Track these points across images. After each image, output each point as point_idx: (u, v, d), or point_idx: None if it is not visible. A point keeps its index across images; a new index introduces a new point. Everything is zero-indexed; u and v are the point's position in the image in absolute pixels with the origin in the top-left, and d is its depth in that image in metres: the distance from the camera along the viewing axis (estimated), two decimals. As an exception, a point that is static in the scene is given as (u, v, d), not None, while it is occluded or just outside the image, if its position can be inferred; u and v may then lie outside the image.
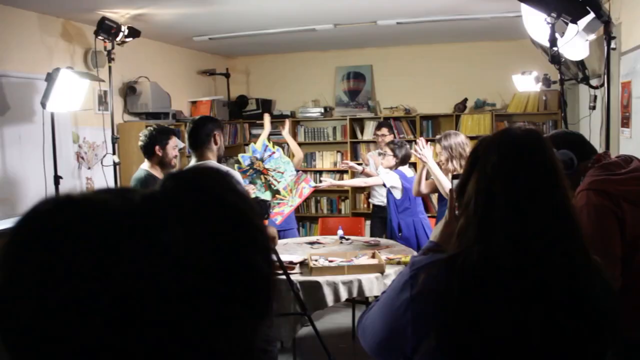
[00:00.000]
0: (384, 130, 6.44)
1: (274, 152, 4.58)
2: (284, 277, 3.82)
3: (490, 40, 7.65)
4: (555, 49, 3.36)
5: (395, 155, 5.39)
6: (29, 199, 4.88)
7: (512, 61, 7.52)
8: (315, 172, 8.51)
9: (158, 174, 4.26)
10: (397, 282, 1.36)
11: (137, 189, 0.67)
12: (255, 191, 4.59)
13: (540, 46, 5.25)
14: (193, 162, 3.43)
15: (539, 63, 6.88)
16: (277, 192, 4.59)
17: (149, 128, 4.33)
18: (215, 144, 3.45)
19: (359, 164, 6.51)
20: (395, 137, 6.67)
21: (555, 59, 3.86)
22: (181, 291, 0.57)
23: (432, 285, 1.28)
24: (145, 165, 4.30)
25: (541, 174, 1.33)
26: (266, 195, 4.60)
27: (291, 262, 4.14)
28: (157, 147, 4.25)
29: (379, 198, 6.13)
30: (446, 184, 4.50)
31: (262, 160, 4.55)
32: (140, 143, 4.30)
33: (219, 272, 0.60)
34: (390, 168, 5.38)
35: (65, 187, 5.20)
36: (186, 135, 3.57)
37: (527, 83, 5.74)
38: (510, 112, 7.70)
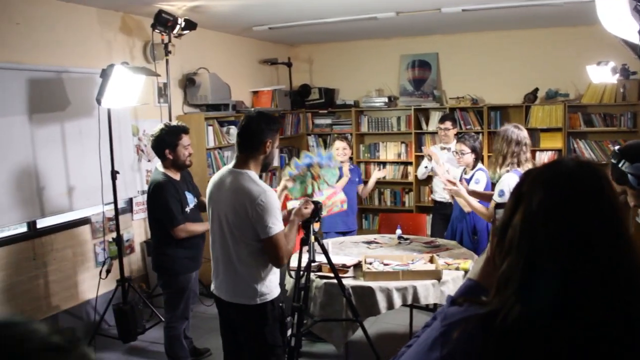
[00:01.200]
0: (448, 124, 6.11)
1: (333, 168, 4.42)
2: (335, 281, 3.68)
3: (563, 26, 7.17)
4: None
5: (473, 150, 4.86)
6: (89, 193, 4.94)
7: (586, 48, 7.05)
8: (379, 163, 8.31)
9: (174, 175, 4.09)
10: (427, 336, 1.18)
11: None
12: (292, 198, 4.45)
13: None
14: (230, 166, 3.11)
15: (616, 51, 6.39)
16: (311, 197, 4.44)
17: (156, 129, 4.06)
18: (264, 153, 3.04)
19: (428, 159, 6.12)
20: (459, 130, 6.28)
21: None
22: None
23: (465, 347, 1.10)
24: (160, 167, 4.09)
25: (600, 218, 1.10)
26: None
27: (344, 266, 3.99)
28: (167, 151, 4.00)
29: (441, 194, 5.87)
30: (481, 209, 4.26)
31: (320, 166, 4.38)
32: (151, 145, 4.12)
33: None
34: (468, 166, 4.95)
35: (125, 179, 5.26)
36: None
37: (603, 74, 5.32)
38: (585, 103, 7.22)
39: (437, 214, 6.08)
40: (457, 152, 4.93)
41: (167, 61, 5.46)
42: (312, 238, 3.55)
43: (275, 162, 6.97)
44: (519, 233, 1.14)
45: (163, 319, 4.85)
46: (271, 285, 3.08)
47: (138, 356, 4.74)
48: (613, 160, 2.27)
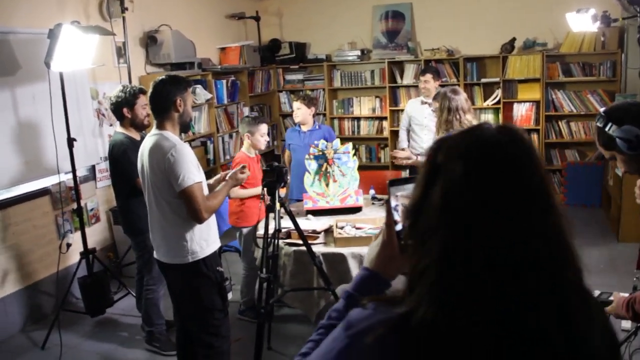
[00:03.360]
0: (428, 76, 5.83)
1: (348, 161, 4.30)
2: (304, 248, 3.52)
3: (543, -29, 6.92)
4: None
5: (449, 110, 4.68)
6: (47, 163, 4.68)
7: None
8: (353, 119, 8.09)
9: (134, 135, 4.07)
10: (329, 347, 0.99)
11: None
12: (308, 176, 4.35)
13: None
14: (153, 131, 3.13)
15: (597, -3, 6.21)
16: (327, 185, 4.33)
17: (115, 90, 4.08)
18: (177, 111, 3.08)
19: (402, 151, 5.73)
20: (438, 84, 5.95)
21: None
22: None
23: None
24: (120, 129, 4.09)
25: (526, 194, 0.94)
26: (318, 186, 4.34)
27: (314, 231, 3.82)
28: (125, 110, 4.01)
29: (419, 149, 5.66)
30: None
31: (335, 151, 4.30)
32: (110, 107, 4.14)
33: None
34: None
35: (86, 146, 5.00)
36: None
37: (584, 22, 5.09)
38: (563, 52, 7.03)
39: (415, 171, 5.89)
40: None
41: (124, 19, 5.13)
42: (278, 204, 3.37)
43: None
44: (438, 213, 0.94)
45: (130, 291, 4.70)
46: (202, 243, 3.09)
47: (106, 330, 4.58)
48: (598, 124, 2.09)
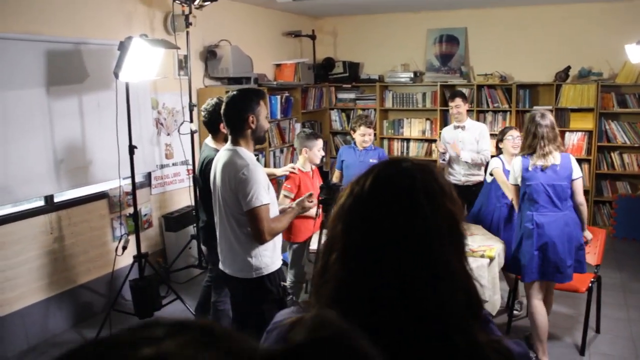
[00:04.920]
0: (458, 101, 5.69)
1: None
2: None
3: (599, 1, 6.87)
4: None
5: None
6: (106, 168, 4.87)
7: (623, 25, 6.80)
8: (403, 140, 8.13)
9: None
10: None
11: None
12: None
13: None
14: (227, 145, 3.15)
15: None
16: None
17: (210, 102, 4.04)
18: (249, 128, 3.08)
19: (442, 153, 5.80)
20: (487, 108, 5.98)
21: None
22: None
23: None
24: (211, 142, 4.04)
25: (412, 234, 0.98)
26: None
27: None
28: (221, 125, 3.89)
29: (456, 177, 5.66)
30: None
31: None
32: (203, 119, 4.07)
33: None
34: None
35: (144, 153, 5.19)
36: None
37: (643, 54, 5.07)
38: (619, 83, 6.94)
39: None
40: (515, 137, 4.70)
41: (187, 33, 5.32)
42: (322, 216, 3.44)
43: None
44: (330, 228, 1.06)
45: (179, 296, 4.83)
46: (266, 260, 3.11)
47: (154, 332, 4.71)
48: None
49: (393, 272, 0.96)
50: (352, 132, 5.24)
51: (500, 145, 4.82)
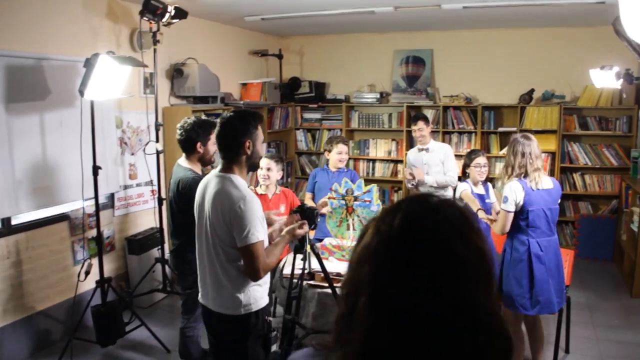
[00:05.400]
0: (421, 124, 5.71)
1: (370, 201, 4.23)
2: (329, 291, 3.49)
3: (561, 26, 7.03)
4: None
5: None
6: (68, 188, 4.68)
7: (585, 49, 6.97)
8: (369, 160, 8.11)
9: (199, 170, 3.95)
10: None
11: None
12: (330, 215, 4.29)
13: (626, 39, 4.69)
14: (218, 171, 2.92)
15: (616, 53, 6.28)
16: (342, 236, 4.27)
17: (188, 121, 3.93)
18: (245, 154, 2.90)
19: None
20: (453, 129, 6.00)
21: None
22: None
23: None
24: (185, 162, 3.93)
25: (447, 277, 0.91)
26: (338, 230, 4.29)
27: (339, 274, 3.79)
28: (198, 144, 3.87)
29: None
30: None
31: (355, 198, 4.22)
32: (178, 137, 3.94)
33: None
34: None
35: (107, 174, 5.01)
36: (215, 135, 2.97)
37: (607, 79, 5.16)
38: (581, 106, 7.09)
39: None
40: (482, 166, 4.70)
41: (155, 50, 5.19)
42: (308, 246, 3.35)
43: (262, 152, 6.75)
44: (351, 270, 1.00)
45: (143, 322, 4.65)
46: (256, 295, 2.89)
47: (117, 361, 4.51)
48: None
49: (428, 318, 0.89)
50: (326, 152, 5.18)
51: (467, 171, 4.83)
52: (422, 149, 5.74)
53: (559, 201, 3.93)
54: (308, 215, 3.34)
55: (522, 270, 3.80)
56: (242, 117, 2.89)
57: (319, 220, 3.43)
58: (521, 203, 3.80)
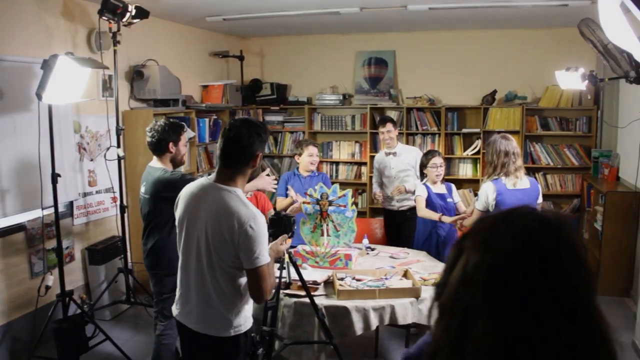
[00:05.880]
0: (389, 126, 5.60)
1: (344, 207, 4.12)
2: (307, 300, 3.38)
3: (525, 28, 7.10)
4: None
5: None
6: (24, 197, 4.42)
7: (546, 51, 7.07)
8: (332, 163, 8.03)
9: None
10: None
11: None
12: (304, 221, 4.18)
13: (591, 40, 4.73)
14: (211, 179, 2.69)
15: (576, 55, 6.39)
16: (317, 242, 4.16)
17: (159, 123, 3.82)
18: (254, 166, 2.71)
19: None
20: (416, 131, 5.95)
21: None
22: None
23: None
24: (157, 163, 3.80)
25: (551, 290, 0.87)
26: (312, 236, 4.18)
27: (315, 282, 3.68)
28: (170, 144, 3.78)
29: (391, 203, 5.61)
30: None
31: (330, 203, 4.12)
32: (150, 139, 3.77)
33: None
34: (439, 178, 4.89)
35: (66, 181, 4.77)
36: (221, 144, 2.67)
37: (572, 80, 5.21)
38: (542, 107, 7.17)
39: (389, 221, 5.76)
40: (439, 166, 4.73)
41: (115, 52, 4.97)
42: (287, 256, 3.23)
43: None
44: (453, 295, 0.92)
45: (108, 336, 4.43)
46: (246, 315, 2.71)
47: (80, 378, 4.27)
48: None
49: (553, 335, 0.84)
50: (296, 156, 5.07)
51: (425, 171, 4.83)
52: (390, 153, 5.67)
53: (540, 200, 3.97)
54: (285, 223, 3.22)
55: None
56: (258, 127, 2.67)
57: (295, 228, 3.31)
58: (493, 203, 3.83)
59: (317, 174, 5.06)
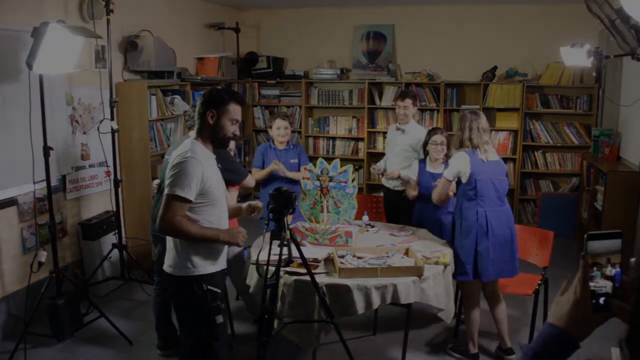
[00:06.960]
0: (408, 102, 5.25)
1: (345, 183, 4.00)
2: (307, 278, 3.30)
3: (527, 3, 6.96)
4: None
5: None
6: (15, 171, 4.30)
7: (548, 27, 6.96)
8: (329, 138, 7.91)
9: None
10: None
11: None
12: (303, 197, 4.10)
13: (598, 16, 4.62)
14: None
15: (578, 31, 6.27)
16: (316, 219, 4.05)
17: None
18: (207, 124, 2.95)
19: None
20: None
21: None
22: None
23: None
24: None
25: None
26: (312, 213, 4.08)
27: (315, 260, 3.60)
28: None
29: (388, 183, 5.47)
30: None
31: (331, 178, 4.00)
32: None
33: None
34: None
35: (58, 155, 4.65)
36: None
37: (577, 57, 5.09)
38: (543, 84, 7.06)
39: (387, 199, 5.64)
40: (438, 144, 4.62)
41: (108, 21, 4.81)
42: (288, 233, 3.14)
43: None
44: None
45: (103, 313, 4.35)
46: (196, 259, 2.85)
47: (75, 355, 4.19)
48: None
49: None
50: (269, 129, 5.01)
51: (427, 148, 4.74)
52: (400, 129, 5.44)
53: (506, 174, 4.02)
54: (285, 198, 3.13)
55: (472, 239, 3.88)
56: (212, 90, 3.03)
57: (296, 204, 3.21)
58: (467, 173, 3.87)
59: (292, 146, 4.99)
